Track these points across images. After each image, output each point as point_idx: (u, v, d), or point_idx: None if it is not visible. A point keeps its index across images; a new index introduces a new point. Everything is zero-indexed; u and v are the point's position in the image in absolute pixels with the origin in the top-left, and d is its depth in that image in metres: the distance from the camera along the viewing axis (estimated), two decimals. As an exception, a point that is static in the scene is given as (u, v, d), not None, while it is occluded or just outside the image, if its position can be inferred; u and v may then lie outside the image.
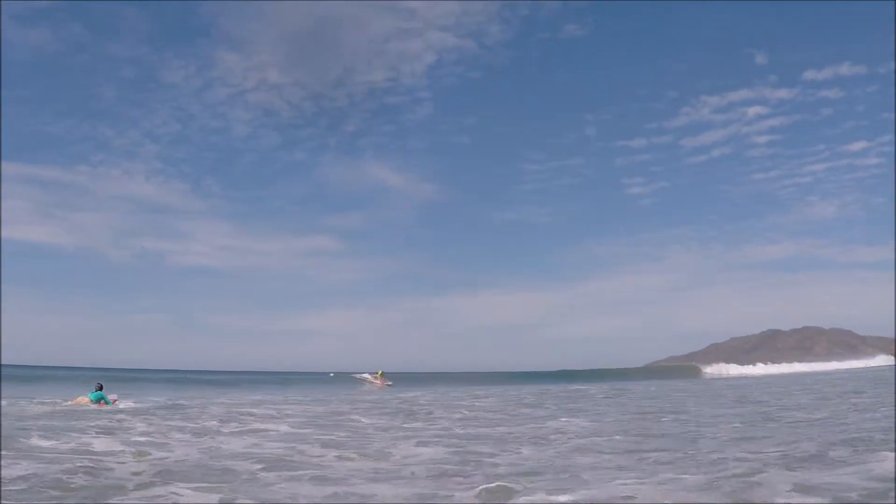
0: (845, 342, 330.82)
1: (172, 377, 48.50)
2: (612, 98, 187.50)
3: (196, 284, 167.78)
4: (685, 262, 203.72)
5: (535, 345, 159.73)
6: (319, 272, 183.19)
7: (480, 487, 7.22)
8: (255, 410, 19.65)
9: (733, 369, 47.40)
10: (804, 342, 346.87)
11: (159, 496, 7.34)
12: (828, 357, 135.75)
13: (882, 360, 73.57)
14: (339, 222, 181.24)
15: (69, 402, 21.63)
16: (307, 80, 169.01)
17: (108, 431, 13.48)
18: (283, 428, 14.52)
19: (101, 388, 21.95)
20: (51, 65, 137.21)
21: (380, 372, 52.30)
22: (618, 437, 11.81)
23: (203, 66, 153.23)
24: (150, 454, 10.49)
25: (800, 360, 77.37)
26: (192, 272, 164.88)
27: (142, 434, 13.16)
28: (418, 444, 10.92)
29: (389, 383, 50.16)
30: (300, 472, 8.55)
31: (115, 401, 22.04)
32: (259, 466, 9.10)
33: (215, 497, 6.97)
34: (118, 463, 9.56)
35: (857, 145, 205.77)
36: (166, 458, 10.06)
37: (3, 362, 56.34)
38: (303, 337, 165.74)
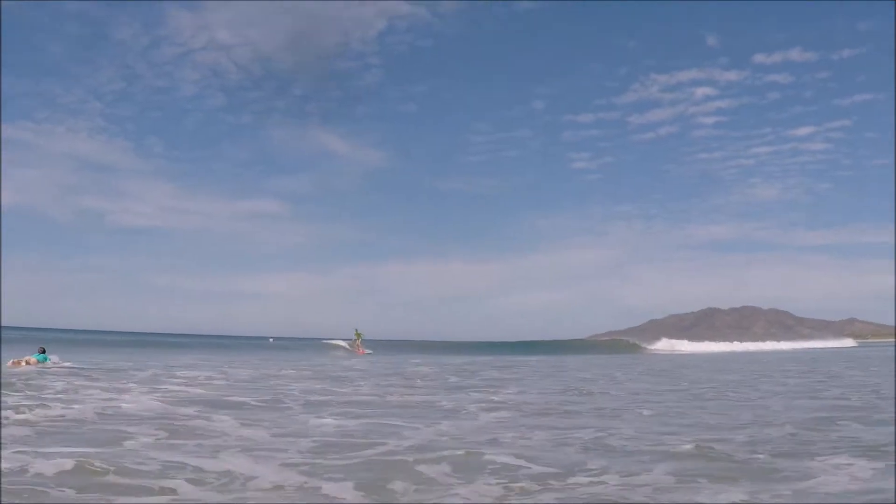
0: (782, 323, 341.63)
1: (117, 339, 46.93)
2: (562, 72, 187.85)
3: (138, 245, 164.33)
4: (628, 238, 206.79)
5: (478, 315, 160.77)
6: (262, 235, 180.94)
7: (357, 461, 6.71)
8: (185, 373, 19.28)
9: (684, 346, 47.39)
10: (742, 321, 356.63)
11: (21, 452, 6.80)
12: (764, 337, 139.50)
13: (818, 342, 74.93)
14: (284, 186, 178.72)
15: (10, 363, 21.49)
16: (257, 41, 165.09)
17: (35, 388, 13.59)
18: (197, 391, 14.06)
19: (43, 351, 22.79)
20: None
21: (357, 333, 47.57)
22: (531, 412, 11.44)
23: (152, 23, 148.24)
24: (48, 410, 10.21)
25: (738, 339, 78.82)
26: (134, 232, 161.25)
27: (58, 392, 13.16)
28: (332, 415, 10.33)
29: (369, 351, 45.85)
30: (177, 441, 7.76)
31: (57, 363, 22.56)
32: (137, 428, 8.50)
33: (70, 462, 6.28)
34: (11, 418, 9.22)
35: (804, 130, 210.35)
36: (60, 416, 9.70)
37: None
38: (244, 300, 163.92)
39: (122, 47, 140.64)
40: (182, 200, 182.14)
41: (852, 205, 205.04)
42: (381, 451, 7.08)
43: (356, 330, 47.57)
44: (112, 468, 6.11)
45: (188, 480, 5.81)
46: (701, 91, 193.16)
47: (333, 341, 50.21)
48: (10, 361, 21.71)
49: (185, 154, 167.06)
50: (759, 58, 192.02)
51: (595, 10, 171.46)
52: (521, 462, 6.54)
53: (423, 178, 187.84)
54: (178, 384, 15.36)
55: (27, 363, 21.61)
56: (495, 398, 13.11)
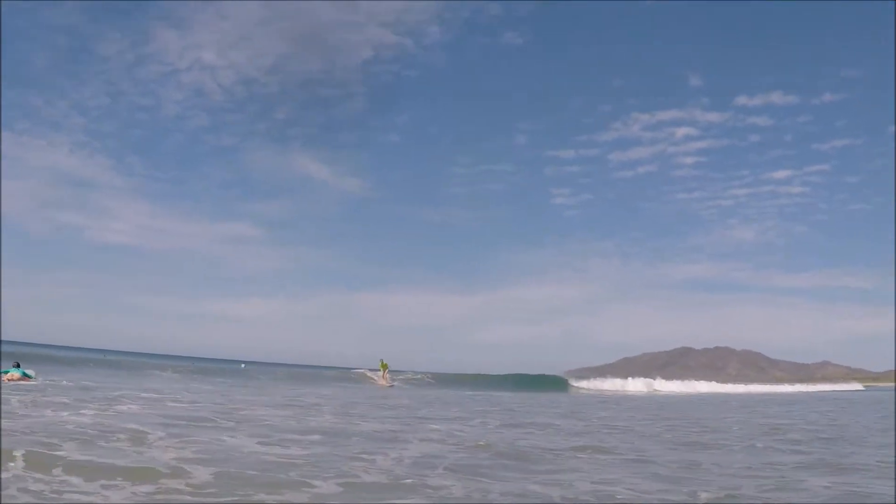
0: (755, 364, 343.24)
1: (88, 356, 45.20)
2: (545, 108, 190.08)
3: (114, 262, 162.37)
4: (606, 275, 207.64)
5: (453, 347, 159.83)
6: (239, 259, 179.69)
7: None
8: (142, 394, 18.54)
9: (606, 384, 45.93)
10: (716, 361, 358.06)
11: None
12: (737, 378, 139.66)
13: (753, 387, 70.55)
14: (262, 210, 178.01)
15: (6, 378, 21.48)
16: (242, 64, 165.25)
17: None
18: (135, 408, 13.64)
19: (18, 365, 22.92)
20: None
21: (382, 364, 43.54)
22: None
23: (138, 40, 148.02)
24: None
25: (713, 379, 78.49)
26: (111, 250, 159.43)
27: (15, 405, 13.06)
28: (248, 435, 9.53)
29: (393, 384, 42.54)
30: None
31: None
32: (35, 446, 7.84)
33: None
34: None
35: (782, 173, 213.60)
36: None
37: None
38: (218, 323, 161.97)
39: (108, 63, 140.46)
40: (160, 220, 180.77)
41: (828, 249, 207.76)
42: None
43: (381, 361, 43.88)
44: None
45: None
46: (682, 131, 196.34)
47: (359, 371, 47.53)
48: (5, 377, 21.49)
49: (166, 174, 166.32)
50: (741, 100, 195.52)
51: (580, 47, 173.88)
52: None
53: (402, 208, 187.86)
54: (128, 402, 14.47)
55: (10, 379, 21.23)
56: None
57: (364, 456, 8.76)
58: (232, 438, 9.90)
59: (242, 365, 51.34)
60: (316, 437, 10.60)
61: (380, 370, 43.40)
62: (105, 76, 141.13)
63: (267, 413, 14.65)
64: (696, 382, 50.91)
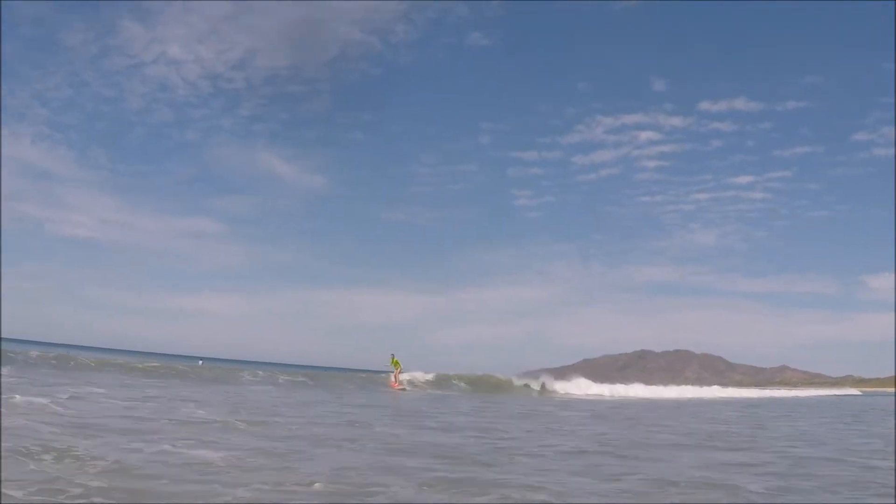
0: (714, 367, 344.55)
1: (46, 350, 39.07)
2: (509, 109, 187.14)
3: (74, 256, 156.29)
4: (567, 277, 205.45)
5: (413, 346, 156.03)
6: (201, 254, 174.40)
7: None
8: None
9: (556, 385, 42.27)
10: (675, 364, 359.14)
11: None
12: (696, 381, 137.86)
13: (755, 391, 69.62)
14: (225, 206, 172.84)
15: None
16: (208, 58, 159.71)
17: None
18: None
19: None
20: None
21: (394, 360, 35.27)
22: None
23: (104, 32, 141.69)
24: None
25: (671, 382, 75.93)
26: (71, 243, 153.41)
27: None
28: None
29: (403, 387, 33.66)
30: None
31: None
32: None
33: None
34: None
35: (744, 179, 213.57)
36: None
37: None
38: (178, 318, 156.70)
39: (72, 53, 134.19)
40: (122, 214, 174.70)
41: (789, 254, 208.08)
42: None
43: (392, 356, 35.61)
44: None
45: None
46: (645, 135, 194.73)
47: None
48: None
49: (129, 167, 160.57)
50: (705, 105, 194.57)
51: (545, 50, 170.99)
52: None
53: (366, 207, 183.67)
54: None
55: None
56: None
57: None
58: None
59: (200, 362, 46.35)
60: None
61: (395, 368, 35.42)
62: (69, 67, 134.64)
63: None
64: (624, 387, 47.38)
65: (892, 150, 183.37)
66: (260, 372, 34.42)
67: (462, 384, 38.55)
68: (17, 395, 12.80)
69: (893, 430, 17.05)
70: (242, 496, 6.06)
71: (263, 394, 22.77)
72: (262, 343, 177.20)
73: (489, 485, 7.00)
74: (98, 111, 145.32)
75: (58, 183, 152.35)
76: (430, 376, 37.85)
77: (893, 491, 7.38)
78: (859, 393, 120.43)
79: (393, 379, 35.14)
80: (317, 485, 6.63)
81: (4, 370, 21.40)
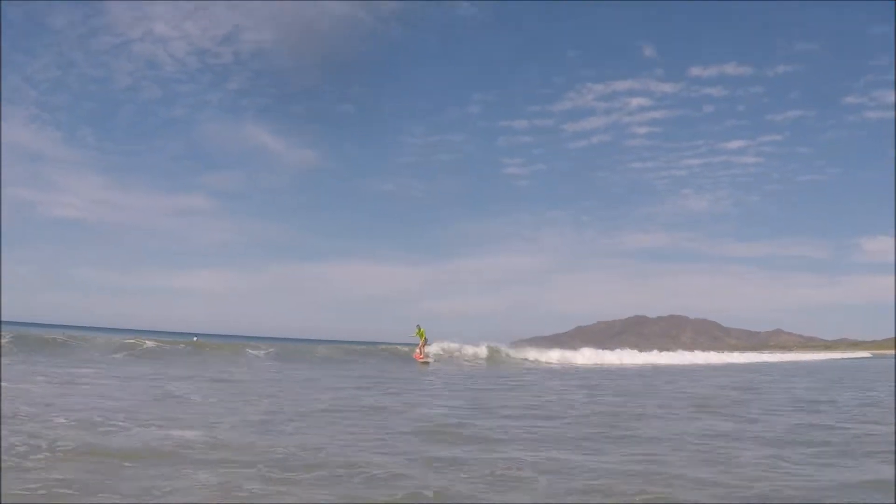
0: (709, 332, 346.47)
1: (43, 332, 38.30)
2: (498, 78, 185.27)
3: (65, 236, 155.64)
4: (558, 245, 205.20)
5: (405, 317, 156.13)
6: (192, 231, 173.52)
7: None
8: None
9: (532, 354, 41.26)
10: (670, 330, 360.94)
11: None
12: (691, 346, 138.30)
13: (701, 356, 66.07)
14: (214, 182, 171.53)
15: None
16: (194, 34, 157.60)
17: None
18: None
19: None
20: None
21: (419, 330, 33.84)
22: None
23: (90, 12, 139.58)
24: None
25: (666, 348, 76.06)
26: (62, 224, 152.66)
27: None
28: None
29: (427, 360, 32.94)
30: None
31: None
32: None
33: None
34: None
35: (736, 143, 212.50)
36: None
37: None
38: (171, 295, 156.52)
39: (59, 35, 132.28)
40: (113, 193, 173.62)
41: (781, 218, 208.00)
42: None
43: (419, 327, 34.27)
44: None
45: None
46: (636, 101, 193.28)
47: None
48: None
49: (118, 146, 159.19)
50: (695, 70, 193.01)
51: (534, 18, 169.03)
52: None
53: (355, 179, 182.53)
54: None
55: None
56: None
57: None
58: None
59: (195, 338, 45.88)
60: None
61: (419, 339, 34.04)
62: (56, 48, 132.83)
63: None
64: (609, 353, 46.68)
65: (886, 113, 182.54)
66: (250, 350, 34.02)
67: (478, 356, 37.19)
68: (4, 382, 12.46)
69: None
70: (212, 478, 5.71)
71: (264, 371, 22.49)
72: (258, 318, 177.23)
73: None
74: (86, 91, 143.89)
75: (48, 164, 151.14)
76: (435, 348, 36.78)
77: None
78: (869, 355, 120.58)
79: (418, 351, 34.02)
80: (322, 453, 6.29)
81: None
